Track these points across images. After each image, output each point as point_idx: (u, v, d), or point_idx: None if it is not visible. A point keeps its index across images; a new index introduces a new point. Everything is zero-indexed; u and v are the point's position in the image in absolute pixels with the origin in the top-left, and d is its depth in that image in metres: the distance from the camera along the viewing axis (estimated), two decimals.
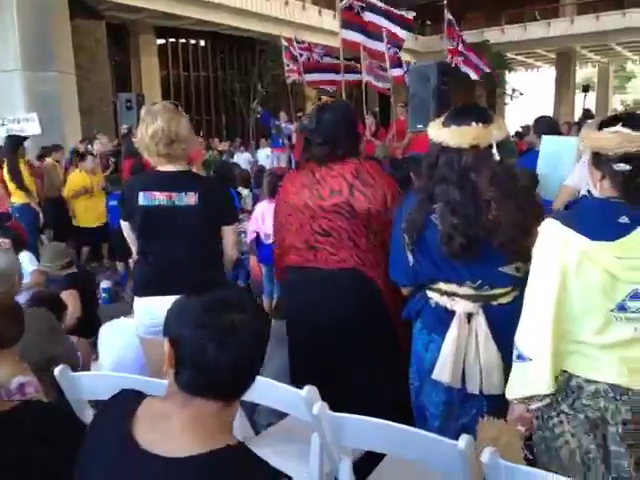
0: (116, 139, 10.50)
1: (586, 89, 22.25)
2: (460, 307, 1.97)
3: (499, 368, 1.94)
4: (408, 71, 6.71)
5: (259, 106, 11.03)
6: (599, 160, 1.63)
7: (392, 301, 2.32)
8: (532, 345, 1.66)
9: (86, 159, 6.88)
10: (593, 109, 22.42)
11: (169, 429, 1.11)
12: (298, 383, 2.33)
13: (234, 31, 20.39)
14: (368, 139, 7.19)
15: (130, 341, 2.81)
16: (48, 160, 7.50)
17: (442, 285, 2.02)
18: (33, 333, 2.32)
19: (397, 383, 2.22)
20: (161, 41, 21.34)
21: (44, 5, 10.36)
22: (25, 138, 6.91)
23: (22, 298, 3.13)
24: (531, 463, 1.76)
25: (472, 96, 14.54)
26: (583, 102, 21.30)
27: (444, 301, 2.01)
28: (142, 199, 2.44)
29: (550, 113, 27.64)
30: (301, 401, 1.78)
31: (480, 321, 1.96)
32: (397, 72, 8.90)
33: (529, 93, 30.53)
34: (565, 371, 1.68)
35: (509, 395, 1.74)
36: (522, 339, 1.69)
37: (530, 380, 1.67)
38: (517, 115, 32.30)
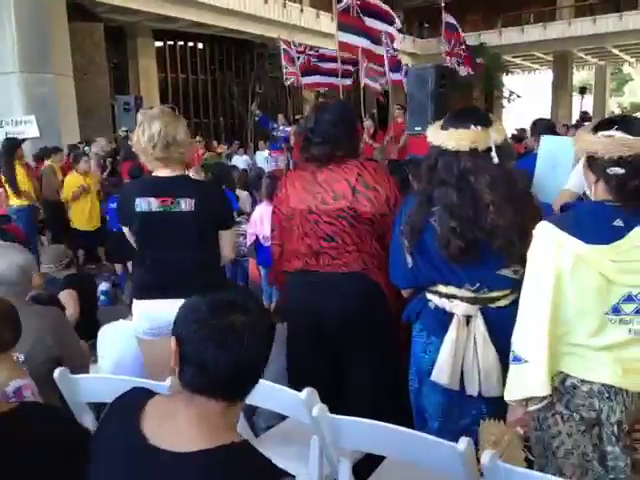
0: (114, 141, 10.50)
1: (583, 91, 22.37)
2: (459, 309, 1.98)
3: (498, 370, 1.95)
4: (407, 74, 6.71)
5: (257, 109, 11.02)
6: (594, 163, 1.64)
7: (396, 304, 2.30)
8: (528, 347, 1.67)
9: (80, 161, 6.89)
10: (590, 112, 22.50)
11: (176, 426, 1.14)
12: (297, 384, 2.35)
13: (232, 34, 20.40)
14: (367, 142, 7.20)
15: (129, 342, 2.80)
16: (47, 162, 7.50)
17: (441, 287, 2.02)
18: (41, 332, 2.34)
19: (399, 386, 2.21)
20: (159, 44, 21.34)
21: (42, 7, 10.36)
22: (23, 141, 6.92)
23: None
24: (531, 464, 1.77)
25: (470, 99, 14.58)
26: (580, 105, 21.39)
27: (443, 303, 2.02)
28: (138, 205, 2.44)
29: (547, 115, 27.72)
30: (300, 403, 1.78)
31: (479, 324, 1.96)
32: (396, 76, 8.92)
33: (526, 96, 30.60)
34: (560, 371, 1.69)
35: (507, 397, 1.75)
36: (518, 341, 1.70)
37: (527, 382, 1.68)
38: (514, 118, 32.42)
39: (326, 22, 20.65)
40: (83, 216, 6.80)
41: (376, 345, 2.39)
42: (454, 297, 1.99)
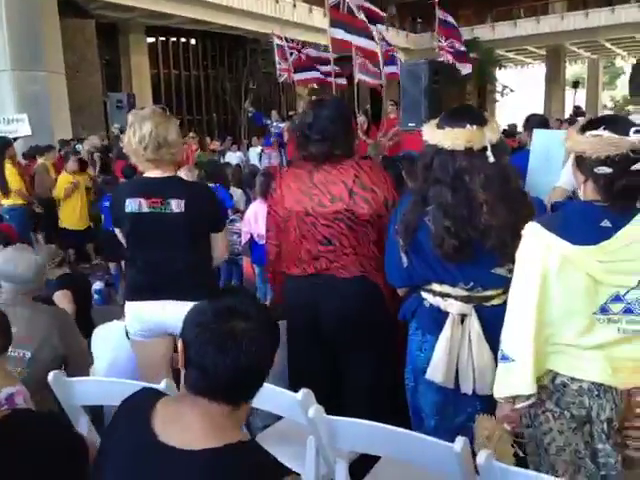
0: (107, 139, 10.44)
1: (576, 85, 22.42)
2: (454, 308, 1.98)
3: (492, 368, 1.94)
4: (401, 69, 6.69)
5: (251, 106, 11.00)
6: (582, 163, 1.65)
7: (393, 305, 2.29)
8: (515, 346, 1.69)
9: (69, 161, 6.88)
10: (583, 105, 22.57)
11: (183, 425, 1.18)
12: (297, 382, 2.34)
13: (225, 29, 20.32)
14: (361, 138, 7.19)
15: (122, 343, 2.80)
16: (40, 160, 7.46)
17: (436, 286, 2.03)
18: (49, 331, 2.36)
19: (397, 385, 2.21)
20: (151, 40, 21.24)
21: (33, 5, 10.31)
22: (15, 139, 6.88)
23: None
24: (523, 461, 1.79)
25: (463, 94, 14.56)
26: (573, 99, 21.44)
27: (438, 302, 2.03)
28: (129, 206, 2.43)
29: (540, 109, 27.79)
30: (297, 404, 1.78)
31: (473, 322, 1.97)
32: (390, 69, 8.91)
33: (519, 90, 30.64)
34: (550, 370, 1.70)
35: (496, 394, 1.76)
36: (506, 340, 1.72)
37: (514, 380, 1.69)
38: (507, 112, 32.44)
39: (319, 17, 20.57)
40: (74, 215, 6.79)
41: (374, 346, 2.39)
42: (448, 296, 2.00)
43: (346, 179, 2.32)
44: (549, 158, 3.62)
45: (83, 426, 2.13)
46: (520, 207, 1.91)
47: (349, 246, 2.33)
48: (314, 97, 9.55)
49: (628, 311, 1.59)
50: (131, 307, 2.56)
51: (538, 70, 32.69)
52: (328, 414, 1.75)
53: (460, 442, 1.49)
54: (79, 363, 2.51)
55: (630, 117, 2.32)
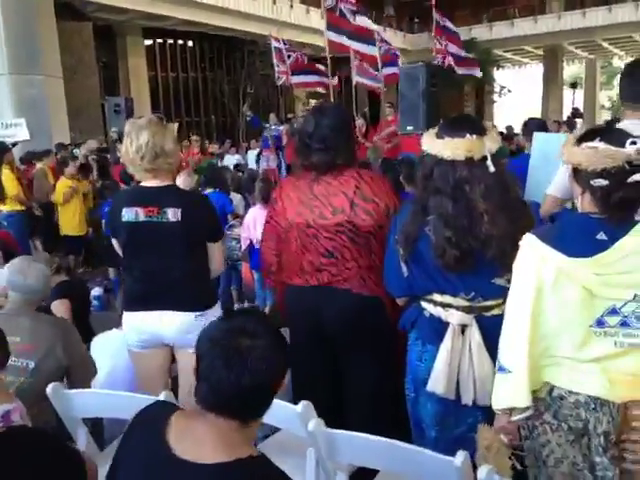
0: (105, 142, 10.43)
1: (574, 86, 22.45)
2: (454, 318, 1.98)
3: (492, 379, 1.93)
4: (399, 72, 6.70)
5: (249, 109, 10.99)
6: (579, 175, 1.64)
7: (394, 315, 2.28)
8: (511, 358, 1.69)
9: (68, 165, 6.88)
10: (581, 106, 22.60)
11: (196, 439, 1.21)
12: (300, 389, 2.33)
13: (222, 31, 20.30)
14: (360, 141, 7.19)
15: (120, 352, 2.80)
16: (39, 165, 7.44)
17: (436, 296, 2.02)
18: (53, 342, 2.37)
19: (399, 395, 2.20)
20: (149, 42, 21.22)
21: (30, 8, 10.29)
22: (14, 145, 6.86)
23: None
24: (522, 473, 1.78)
25: (461, 96, 14.61)
26: (572, 99, 21.47)
27: (438, 312, 2.02)
28: (125, 215, 2.43)
29: (538, 109, 27.82)
30: (296, 417, 1.78)
31: (474, 332, 1.97)
32: (389, 71, 8.91)
33: (517, 90, 30.67)
34: (547, 382, 1.70)
35: (493, 405, 1.76)
36: (503, 351, 1.72)
37: (510, 392, 1.69)
38: (505, 112, 32.47)
39: (316, 18, 20.57)
40: (74, 221, 6.78)
41: (376, 353, 2.38)
42: (449, 306, 1.99)
43: (347, 190, 2.30)
44: (549, 161, 3.61)
45: (82, 438, 2.13)
46: (520, 217, 1.92)
47: (351, 259, 2.32)
48: (313, 100, 9.56)
49: (624, 324, 1.59)
50: (128, 318, 2.56)
51: (536, 70, 32.73)
52: (330, 421, 1.75)
53: (461, 456, 1.49)
54: (82, 374, 2.51)
55: (620, 124, 2.32)
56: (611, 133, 1.61)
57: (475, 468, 1.50)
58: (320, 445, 1.73)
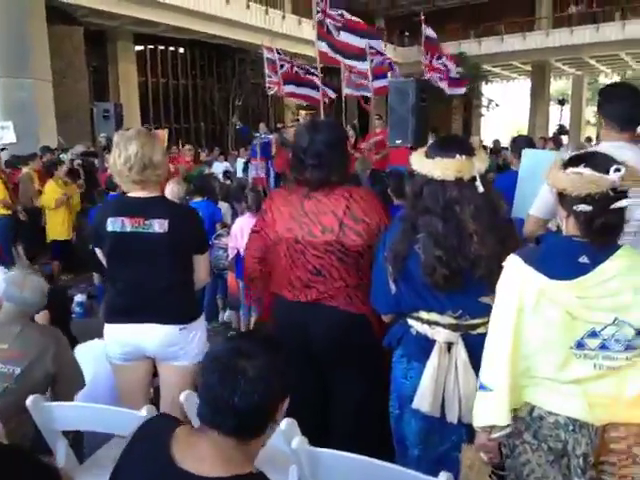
0: (92, 147, 10.36)
1: (562, 103, 22.71)
2: (441, 336, 1.98)
3: None
4: (389, 86, 6.74)
5: (238, 120, 11.00)
6: (564, 199, 1.67)
7: (381, 332, 2.27)
8: (492, 376, 1.71)
9: (57, 169, 6.83)
10: (567, 121, 22.88)
11: (197, 454, 1.25)
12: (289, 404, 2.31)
13: (213, 39, 20.32)
14: (350, 152, 7.20)
15: (101, 363, 2.77)
16: (25, 170, 7.37)
17: (423, 314, 2.03)
18: (42, 350, 2.38)
19: (385, 413, 2.20)
20: (139, 47, 21.16)
21: (21, 11, 10.24)
22: (2, 149, 6.81)
23: None
24: None
25: (449, 109, 14.74)
26: (560, 115, 21.72)
27: (425, 330, 2.02)
28: (111, 225, 2.41)
29: (525, 124, 28.11)
30: (280, 434, 1.76)
31: (460, 350, 1.97)
32: (381, 83, 8.95)
33: (505, 104, 30.99)
34: (527, 402, 1.71)
35: (474, 422, 1.77)
36: (484, 370, 1.74)
37: (490, 410, 1.71)
38: (493, 126, 32.74)
39: (308, 29, 20.66)
40: (63, 227, 6.71)
41: (361, 370, 2.37)
42: (436, 324, 2.00)
43: (337, 210, 2.29)
44: (537, 178, 3.64)
45: (61, 451, 2.11)
46: (507, 238, 1.94)
47: (339, 277, 2.31)
48: (303, 111, 9.59)
49: (604, 347, 1.61)
50: (110, 330, 2.53)
51: (523, 85, 33.10)
52: (315, 437, 1.74)
53: (444, 477, 1.48)
54: (68, 384, 2.51)
55: (602, 146, 2.35)
56: (596, 159, 1.63)
57: None
58: (303, 463, 1.71)
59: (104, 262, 2.57)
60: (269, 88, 10.36)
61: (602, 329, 1.60)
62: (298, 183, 2.40)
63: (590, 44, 24.46)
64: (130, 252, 2.43)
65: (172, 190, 4.68)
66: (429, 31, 9.89)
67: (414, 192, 1.99)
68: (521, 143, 4.43)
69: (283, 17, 21.63)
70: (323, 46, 8.80)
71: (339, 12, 8.55)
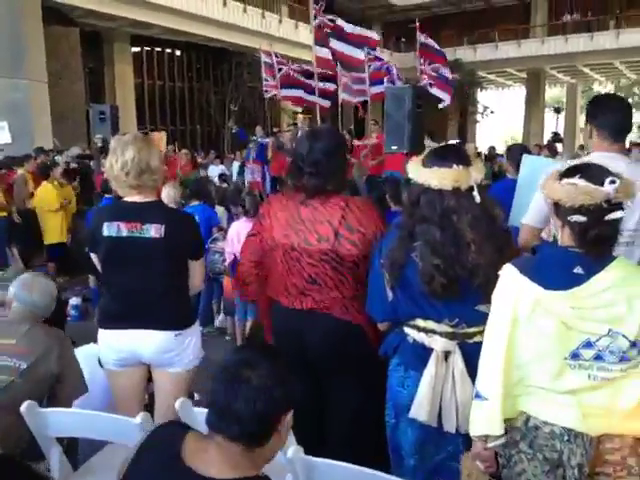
0: (88, 149, 10.33)
1: (558, 111, 22.83)
2: (438, 345, 1.98)
3: None
4: (385, 93, 6.77)
5: (234, 124, 11.01)
6: (558, 210, 1.68)
7: (377, 341, 2.27)
8: (486, 386, 1.72)
9: (54, 169, 6.81)
10: (562, 129, 23.00)
11: (206, 459, 1.30)
12: None
13: (210, 42, 20.33)
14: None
15: (96, 368, 2.75)
16: (20, 171, 7.33)
17: (420, 322, 2.03)
18: (47, 350, 2.41)
19: (382, 422, 2.19)
20: (136, 49, 21.13)
21: (17, 12, 10.22)
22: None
23: None
24: None
25: (445, 115, 14.80)
26: (556, 123, 21.83)
27: (422, 338, 2.02)
28: (107, 230, 2.40)
29: (520, 131, 28.22)
30: None
31: (457, 359, 1.97)
32: (378, 89, 8.97)
33: (500, 111, 31.11)
34: (523, 412, 1.72)
35: (470, 431, 1.78)
36: (480, 378, 1.75)
37: (485, 419, 1.72)
38: (488, 132, 32.86)
39: (305, 33, 20.73)
40: (58, 230, 6.68)
41: (357, 379, 2.37)
42: (433, 332, 2.00)
43: (332, 219, 2.29)
44: (536, 185, 3.64)
45: (55, 458, 2.10)
46: (505, 246, 1.95)
47: (334, 287, 2.31)
48: (300, 115, 9.61)
49: (599, 358, 1.62)
50: (105, 335, 2.52)
51: (518, 92, 33.25)
52: (311, 446, 1.74)
53: None
54: (70, 386, 2.51)
55: (593, 156, 2.36)
56: (591, 171, 1.64)
57: None
58: (298, 472, 1.71)
59: (99, 267, 2.56)
60: (266, 92, 10.37)
61: (597, 340, 1.61)
62: (295, 189, 2.40)
63: (584, 52, 24.65)
64: (126, 257, 2.42)
65: (168, 194, 4.66)
66: (424, 38, 9.92)
67: (411, 200, 2.00)
68: (516, 151, 4.44)
69: (280, 21, 21.68)
70: (320, 50, 8.83)
71: (329, 17, 8.58)
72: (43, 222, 6.72)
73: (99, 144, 7.98)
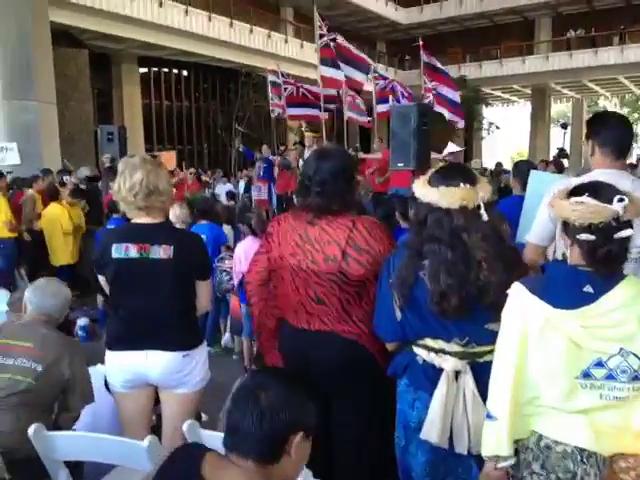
0: (97, 170, 10.40)
1: (564, 126, 22.86)
2: (448, 365, 1.96)
3: None
4: (391, 111, 6.81)
5: (241, 143, 11.10)
6: (567, 228, 1.67)
7: (385, 362, 2.24)
8: (496, 405, 1.71)
9: (64, 189, 6.84)
10: (568, 143, 22.98)
11: (225, 475, 1.34)
12: None
13: (217, 62, 20.56)
14: None
15: (104, 390, 2.75)
16: (29, 192, 7.37)
17: (429, 341, 2.00)
18: (60, 354, 2.51)
19: (388, 443, 2.17)
20: (144, 70, 21.42)
21: (27, 35, 10.34)
22: (9, 173, 6.83)
23: None
24: None
25: (450, 131, 14.84)
26: (563, 138, 21.87)
27: (432, 358, 2.00)
28: (115, 251, 2.41)
29: (526, 146, 28.24)
30: None
31: (467, 379, 1.95)
32: (383, 108, 9.03)
33: (505, 127, 31.16)
34: (535, 431, 1.70)
35: (482, 451, 1.76)
36: (490, 398, 1.74)
37: (495, 439, 1.70)
38: (494, 148, 32.90)
39: (310, 52, 20.92)
40: (68, 252, 6.66)
41: (364, 400, 2.33)
42: (443, 352, 1.98)
43: (339, 240, 2.27)
44: (539, 201, 3.63)
45: None
46: (515, 264, 1.94)
47: (341, 308, 2.29)
48: (308, 133, 9.66)
49: (610, 377, 1.60)
50: (112, 357, 2.51)
51: (524, 107, 33.35)
52: (319, 467, 1.72)
53: None
54: (80, 392, 2.60)
55: (594, 173, 2.36)
56: (599, 189, 1.64)
57: None
58: None
59: (106, 289, 2.57)
60: (273, 111, 10.44)
61: (608, 359, 1.59)
62: (302, 208, 2.40)
63: (589, 68, 24.75)
64: (134, 278, 2.43)
65: (175, 213, 4.69)
66: (427, 57, 10.01)
67: (418, 219, 1.99)
68: (523, 168, 4.44)
69: (286, 41, 21.91)
70: (325, 70, 8.90)
71: (332, 36, 8.66)
72: (52, 243, 6.69)
73: (107, 163, 8.02)
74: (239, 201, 9.76)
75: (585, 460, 1.62)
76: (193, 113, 23.58)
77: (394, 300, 2.03)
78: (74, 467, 2.32)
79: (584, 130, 2.66)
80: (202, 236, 3.88)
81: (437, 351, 1.99)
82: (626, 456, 1.63)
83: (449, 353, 1.97)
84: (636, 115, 37.24)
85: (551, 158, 12.45)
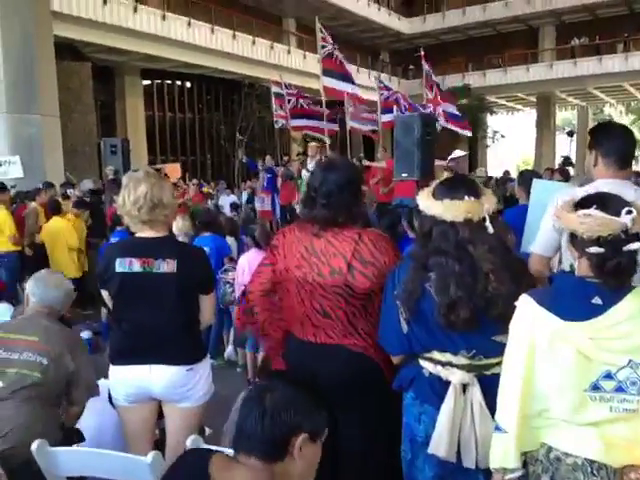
0: (100, 181, 10.44)
1: (570, 134, 22.91)
2: (455, 378, 1.93)
3: None
4: (395, 121, 6.82)
5: (244, 155, 11.13)
6: (575, 241, 1.66)
7: (391, 375, 2.21)
8: (504, 418, 1.70)
9: (67, 201, 6.84)
10: (574, 151, 22.99)
11: (232, 474, 1.40)
12: None
13: (220, 73, 20.67)
14: None
15: (107, 405, 2.74)
16: (32, 205, 7.38)
17: (436, 354, 1.98)
18: (64, 347, 2.53)
19: (394, 457, 2.14)
20: (147, 82, 21.55)
21: (30, 48, 10.41)
22: (13, 186, 6.84)
23: None
24: None
25: (455, 140, 14.89)
26: (569, 146, 21.92)
27: (438, 371, 1.97)
28: (119, 266, 2.41)
29: (531, 154, 28.24)
30: None
31: (475, 392, 1.92)
32: (388, 117, 9.05)
33: (510, 135, 31.19)
34: (544, 443, 1.69)
35: (490, 464, 1.74)
36: (498, 411, 1.73)
37: (502, 451, 1.69)
38: (499, 157, 32.92)
39: (312, 63, 20.98)
40: (73, 266, 6.61)
41: (370, 413, 2.30)
42: (450, 364, 1.95)
43: (345, 252, 2.25)
44: (547, 210, 3.61)
45: None
46: (522, 275, 1.93)
47: (347, 321, 2.27)
48: (313, 143, 9.68)
49: (620, 390, 1.59)
50: (116, 371, 2.50)
51: (529, 115, 33.36)
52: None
53: None
54: (84, 384, 2.62)
55: (598, 184, 2.34)
56: (607, 201, 1.63)
57: None
58: None
59: (109, 303, 2.56)
60: (276, 122, 10.47)
61: (617, 371, 1.58)
62: (308, 220, 2.38)
63: (594, 75, 24.80)
64: (138, 292, 2.42)
65: (177, 225, 4.69)
66: (428, 67, 10.06)
67: (423, 232, 1.98)
68: (528, 177, 4.42)
69: (288, 52, 22.03)
70: (328, 81, 8.93)
71: (335, 46, 8.70)
72: (54, 257, 6.62)
73: (110, 176, 8.05)
74: (242, 212, 9.75)
75: (595, 472, 1.60)
76: (196, 124, 23.69)
77: (400, 312, 2.00)
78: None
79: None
80: (205, 248, 3.89)
81: (444, 364, 1.96)
82: (636, 467, 1.60)
83: (456, 366, 1.94)
84: None
85: (557, 166, 12.43)
